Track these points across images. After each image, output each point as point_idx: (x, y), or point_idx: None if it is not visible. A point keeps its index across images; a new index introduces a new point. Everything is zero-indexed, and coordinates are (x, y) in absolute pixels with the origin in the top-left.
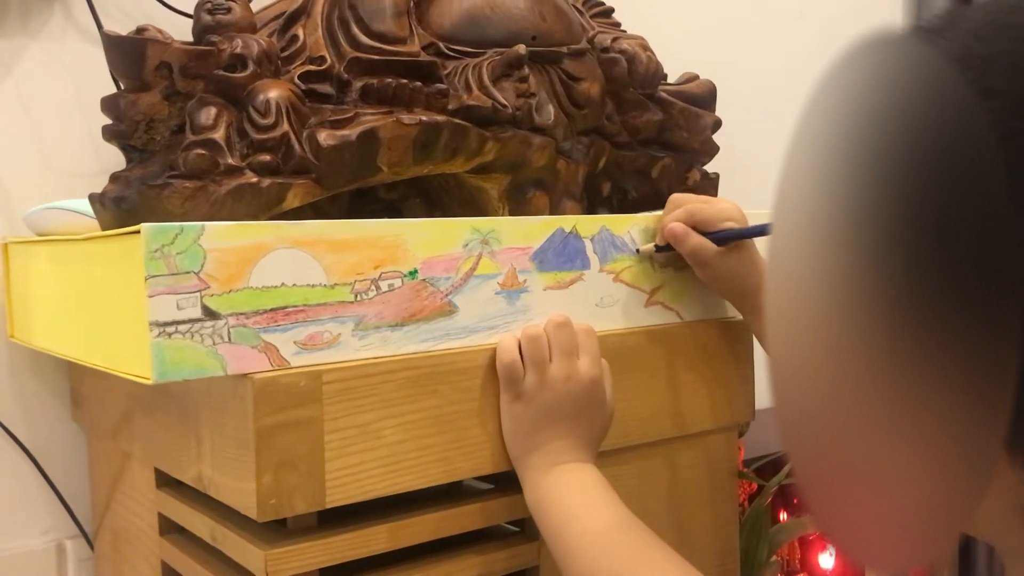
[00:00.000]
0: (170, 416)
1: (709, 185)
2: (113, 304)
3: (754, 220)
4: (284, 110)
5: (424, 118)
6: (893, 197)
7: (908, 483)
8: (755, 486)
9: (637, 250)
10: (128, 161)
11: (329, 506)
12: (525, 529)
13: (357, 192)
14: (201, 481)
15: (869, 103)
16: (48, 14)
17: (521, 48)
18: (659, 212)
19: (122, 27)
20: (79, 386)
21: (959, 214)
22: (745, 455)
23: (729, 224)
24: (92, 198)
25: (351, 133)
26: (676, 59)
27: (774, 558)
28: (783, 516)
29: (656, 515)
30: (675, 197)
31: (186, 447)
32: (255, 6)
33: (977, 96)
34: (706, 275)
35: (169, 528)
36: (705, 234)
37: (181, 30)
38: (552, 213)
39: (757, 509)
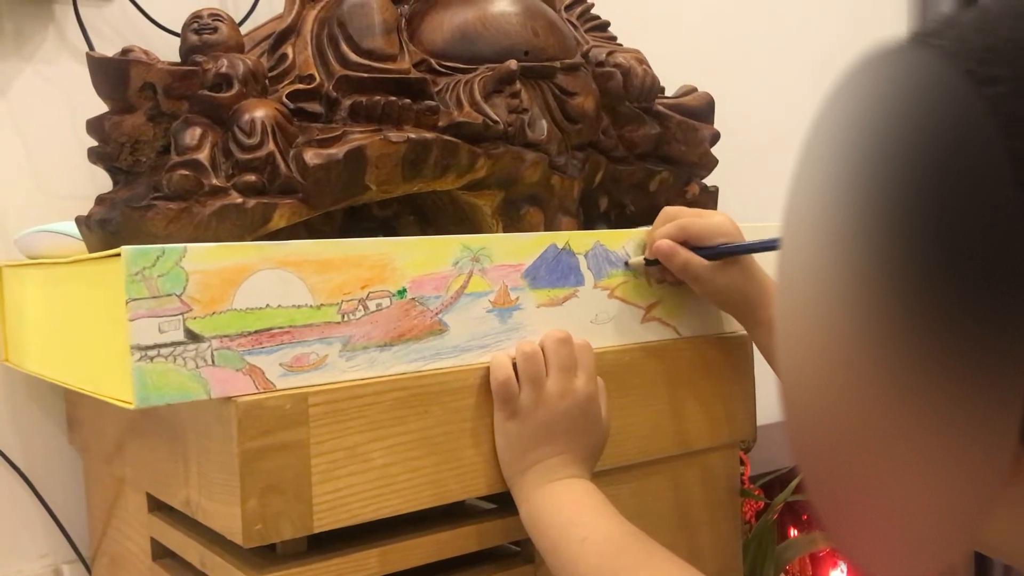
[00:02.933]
0: (159, 440)
1: (708, 199)
2: (96, 327)
3: (752, 233)
4: (270, 129)
5: (412, 135)
6: (900, 204)
7: (921, 489)
8: (764, 504)
9: (626, 263)
10: (115, 183)
11: (317, 531)
12: (524, 550)
13: (351, 210)
14: (189, 506)
15: (871, 115)
16: (42, 37)
17: (513, 63)
18: (645, 230)
19: (115, 48)
20: (75, 410)
21: (965, 212)
22: (752, 471)
23: (722, 239)
24: (79, 220)
25: (338, 152)
26: (676, 72)
27: (782, 575)
28: (793, 532)
29: (656, 535)
30: (667, 210)
31: (174, 471)
32: (248, 26)
33: (975, 87)
34: (702, 289)
35: (161, 553)
36: (696, 250)
37: (177, 51)
38: (547, 229)
39: (763, 526)
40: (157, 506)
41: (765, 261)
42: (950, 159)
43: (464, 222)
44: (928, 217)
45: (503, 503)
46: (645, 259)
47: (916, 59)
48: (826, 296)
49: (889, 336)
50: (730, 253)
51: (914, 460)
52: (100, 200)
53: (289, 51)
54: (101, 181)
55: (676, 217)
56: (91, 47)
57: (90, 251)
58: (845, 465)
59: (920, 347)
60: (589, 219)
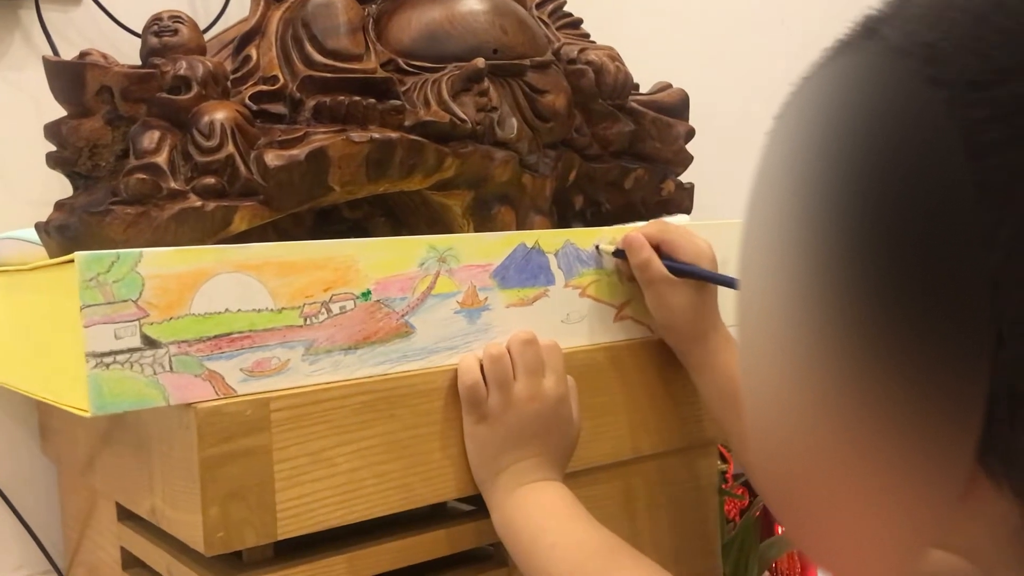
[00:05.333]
0: (126, 448)
1: (684, 195)
2: (54, 335)
3: (725, 231)
4: (229, 131)
5: (376, 135)
6: (856, 207)
7: (879, 504)
8: (747, 501)
9: (597, 246)
10: (74, 188)
11: (281, 538)
12: (498, 553)
13: (321, 212)
14: (154, 514)
15: (822, 119)
16: (8, 43)
17: (480, 62)
18: (628, 225)
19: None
20: (47, 419)
21: (922, 212)
22: (735, 468)
23: (695, 261)
24: (38, 227)
25: (300, 153)
26: (652, 68)
27: (766, 574)
28: (779, 530)
29: (632, 536)
30: (659, 221)
31: (140, 479)
32: (218, 28)
33: (927, 85)
34: (651, 298)
35: (131, 562)
36: (663, 259)
37: None
38: (520, 228)
39: (746, 524)
40: (126, 515)
41: (725, 309)
42: (904, 155)
43: (436, 223)
44: (883, 217)
45: (482, 504)
46: (616, 249)
47: (865, 56)
48: (782, 315)
49: (846, 352)
50: (692, 275)
51: (874, 475)
52: (59, 206)
53: (253, 52)
54: (69, 186)
55: (665, 226)
56: (56, 52)
57: (50, 257)
58: (808, 479)
59: (878, 364)
60: (564, 218)
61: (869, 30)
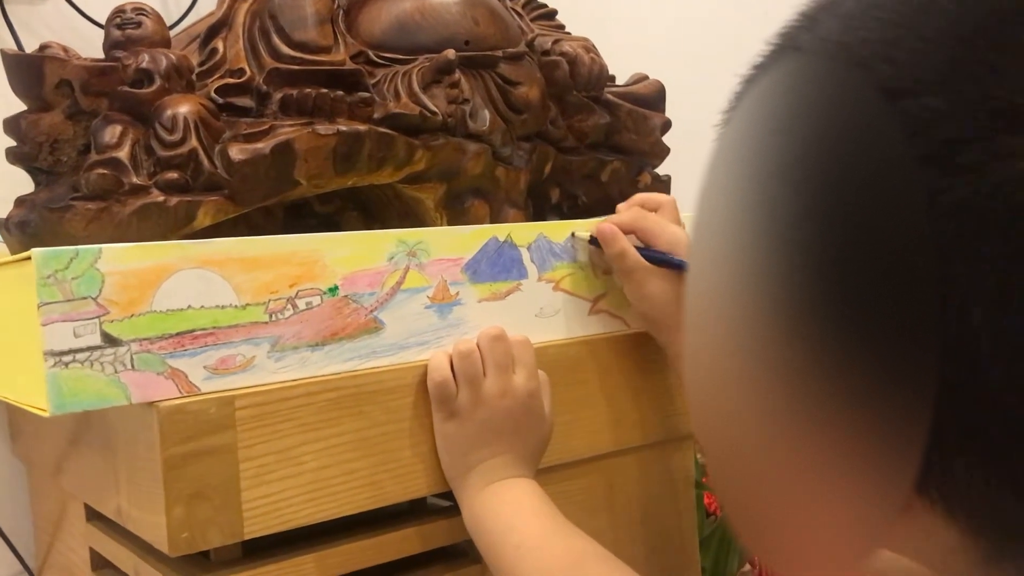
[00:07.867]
0: (93, 448)
1: (661, 188)
2: (14, 333)
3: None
4: (192, 125)
5: (343, 128)
6: (795, 214)
7: (819, 518)
8: None
9: (572, 234)
10: (36, 184)
11: (247, 538)
12: (472, 551)
13: (293, 207)
14: (120, 515)
15: (760, 117)
16: None
17: (450, 53)
18: (605, 217)
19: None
20: (17, 420)
21: (866, 222)
22: None
23: (668, 248)
24: None
25: (265, 146)
26: (630, 60)
27: (747, 567)
28: None
29: (608, 532)
30: (639, 196)
31: (106, 480)
32: (189, 20)
33: (857, 88)
34: (629, 289)
35: (100, 563)
36: (638, 248)
37: None
38: (494, 222)
39: (726, 518)
40: (95, 516)
41: None
42: (843, 158)
43: (409, 217)
44: (828, 227)
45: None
46: (591, 236)
47: (799, 57)
48: (727, 318)
49: (792, 365)
50: (668, 263)
51: (819, 482)
52: (19, 202)
53: (220, 45)
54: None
55: (644, 204)
56: (20, 46)
57: (12, 254)
58: (753, 479)
59: (826, 382)
60: (541, 211)
61: (811, 20)
